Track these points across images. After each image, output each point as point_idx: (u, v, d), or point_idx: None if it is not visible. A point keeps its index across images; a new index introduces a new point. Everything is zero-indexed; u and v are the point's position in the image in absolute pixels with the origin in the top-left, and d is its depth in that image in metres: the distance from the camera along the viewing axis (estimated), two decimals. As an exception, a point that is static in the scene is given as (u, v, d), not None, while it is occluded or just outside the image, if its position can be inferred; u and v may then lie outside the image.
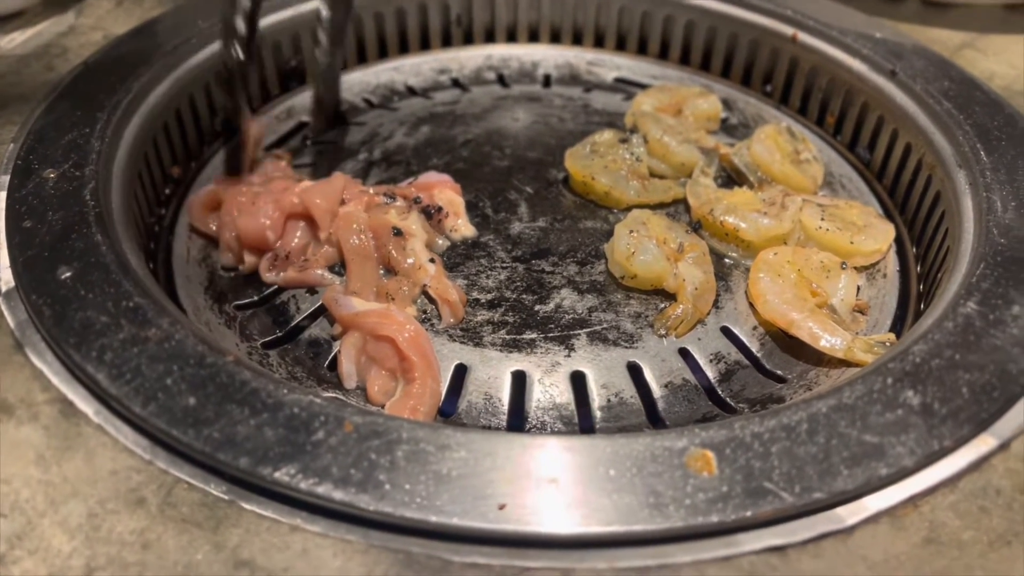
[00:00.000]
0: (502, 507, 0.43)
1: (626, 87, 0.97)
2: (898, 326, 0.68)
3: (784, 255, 0.69)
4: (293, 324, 0.67)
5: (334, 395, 0.62)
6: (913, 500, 0.45)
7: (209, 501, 0.44)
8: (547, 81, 0.98)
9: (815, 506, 0.44)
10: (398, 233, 0.69)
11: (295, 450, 0.45)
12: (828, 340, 0.63)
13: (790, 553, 0.43)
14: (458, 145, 0.84)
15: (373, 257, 0.68)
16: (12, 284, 0.56)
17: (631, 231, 0.68)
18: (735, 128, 0.91)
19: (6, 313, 0.54)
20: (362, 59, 0.99)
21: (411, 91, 0.96)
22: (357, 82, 0.97)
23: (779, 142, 0.81)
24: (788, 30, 0.90)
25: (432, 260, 0.68)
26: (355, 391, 0.62)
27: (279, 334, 0.66)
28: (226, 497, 0.44)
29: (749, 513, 0.43)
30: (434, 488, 0.44)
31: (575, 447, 0.46)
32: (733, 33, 0.95)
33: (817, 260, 0.69)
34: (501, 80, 0.98)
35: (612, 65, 1.00)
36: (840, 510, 0.44)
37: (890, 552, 0.42)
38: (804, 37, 0.89)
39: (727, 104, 0.93)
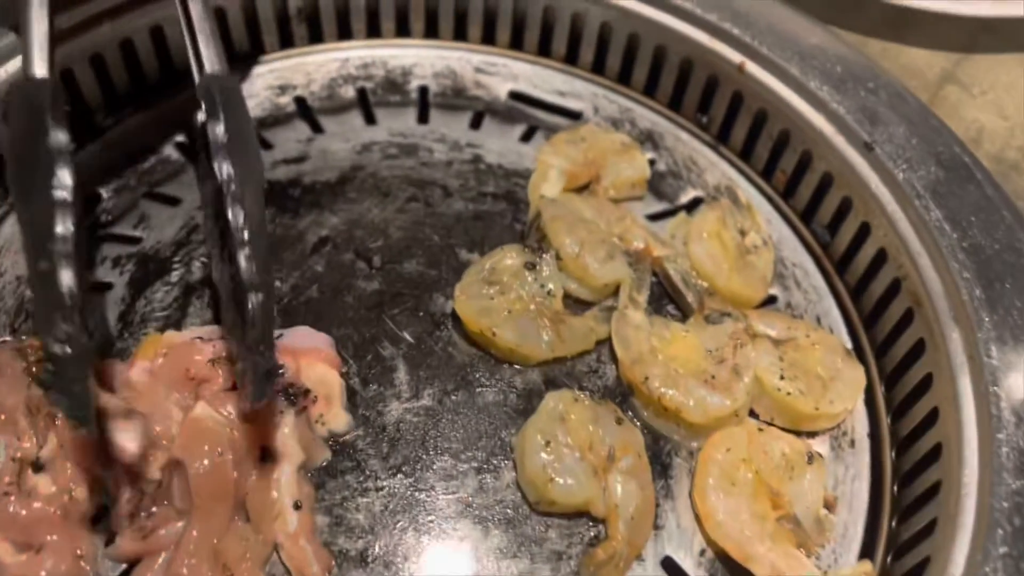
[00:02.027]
0: None
1: (525, 110, 0.75)
2: (873, 528, 0.55)
3: (738, 451, 0.54)
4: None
5: None
6: None
7: None
8: (423, 100, 0.75)
9: None
10: (268, 457, 0.50)
11: None
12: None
13: None
14: (309, 250, 0.63)
15: (231, 498, 0.49)
16: None
17: (547, 442, 0.52)
18: (663, 178, 0.72)
19: None
20: (170, 77, 0.73)
21: (242, 127, 0.72)
22: (168, 114, 0.72)
23: (724, 239, 0.64)
24: (734, 55, 0.70)
25: (298, 504, 0.50)
26: None
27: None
28: None
29: None
30: None
31: None
32: (660, 46, 0.74)
33: (778, 453, 0.54)
34: (363, 100, 0.75)
35: (507, 73, 0.78)
36: None
37: None
38: (754, 69, 0.69)
39: (652, 139, 0.74)
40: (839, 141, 0.65)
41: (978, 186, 0.61)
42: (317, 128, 0.72)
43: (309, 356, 0.55)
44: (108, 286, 0.61)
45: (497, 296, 0.58)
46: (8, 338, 0.58)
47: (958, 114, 0.67)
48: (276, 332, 0.56)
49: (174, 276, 0.61)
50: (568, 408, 0.53)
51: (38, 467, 0.51)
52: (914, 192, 0.60)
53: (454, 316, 0.59)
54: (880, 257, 0.62)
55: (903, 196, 0.61)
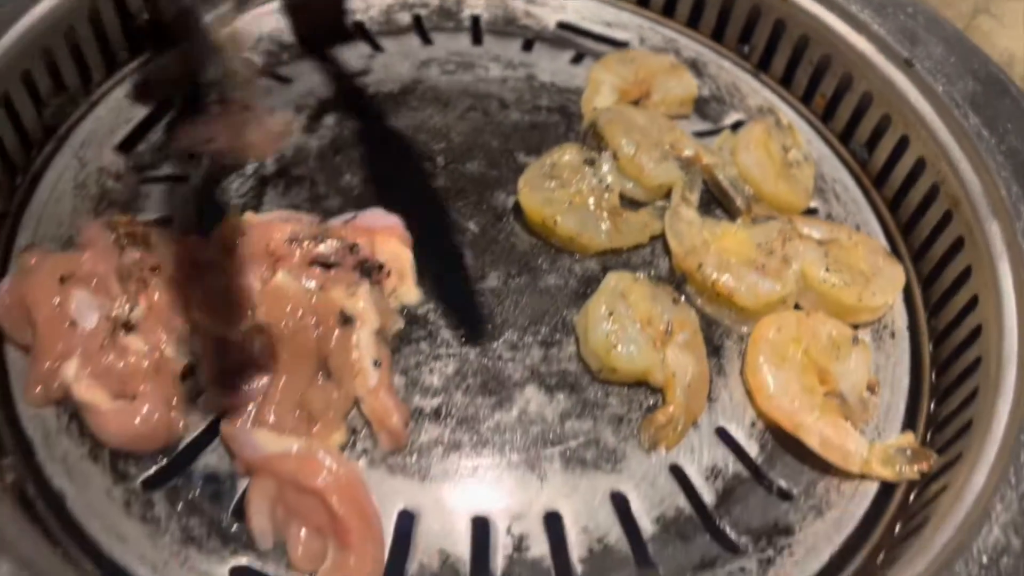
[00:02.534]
0: None
1: (574, 39, 0.79)
2: (913, 409, 0.58)
3: (788, 331, 0.57)
4: (181, 448, 0.52)
5: (247, 564, 0.48)
6: None
7: None
8: (476, 27, 0.79)
9: None
10: (347, 321, 0.53)
11: None
12: (842, 452, 0.53)
13: None
14: (375, 149, 0.66)
15: (313, 356, 0.52)
16: None
17: (610, 313, 0.55)
18: (707, 103, 0.75)
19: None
20: (238, -2, 0.76)
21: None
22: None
23: (769, 149, 0.67)
24: (777, -17, 0.73)
25: (377, 363, 0.53)
26: (273, 552, 0.49)
27: (163, 463, 0.51)
28: None
29: None
30: None
31: None
32: (706, -23, 0.77)
33: (825, 334, 0.58)
34: (419, 26, 0.78)
35: (556, 4, 0.81)
36: None
37: None
38: (797, -5, 0.73)
39: (696, 67, 0.77)
40: (880, 60, 0.68)
41: (1013, 100, 0.64)
42: (377, 47, 0.75)
43: (383, 233, 0.58)
44: (185, 178, 0.64)
45: (558, 189, 0.61)
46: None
47: (990, 42, 0.70)
48: (351, 213, 0.59)
49: (248, 169, 0.64)
50: (628, 286, 0.57)
51: (129, 327, 0.54)
52: (953, 103, 0.63)
53: (515, 211, 0.63)
54: (919, 166, 0.66)
55: (942, 106, 0.64)
